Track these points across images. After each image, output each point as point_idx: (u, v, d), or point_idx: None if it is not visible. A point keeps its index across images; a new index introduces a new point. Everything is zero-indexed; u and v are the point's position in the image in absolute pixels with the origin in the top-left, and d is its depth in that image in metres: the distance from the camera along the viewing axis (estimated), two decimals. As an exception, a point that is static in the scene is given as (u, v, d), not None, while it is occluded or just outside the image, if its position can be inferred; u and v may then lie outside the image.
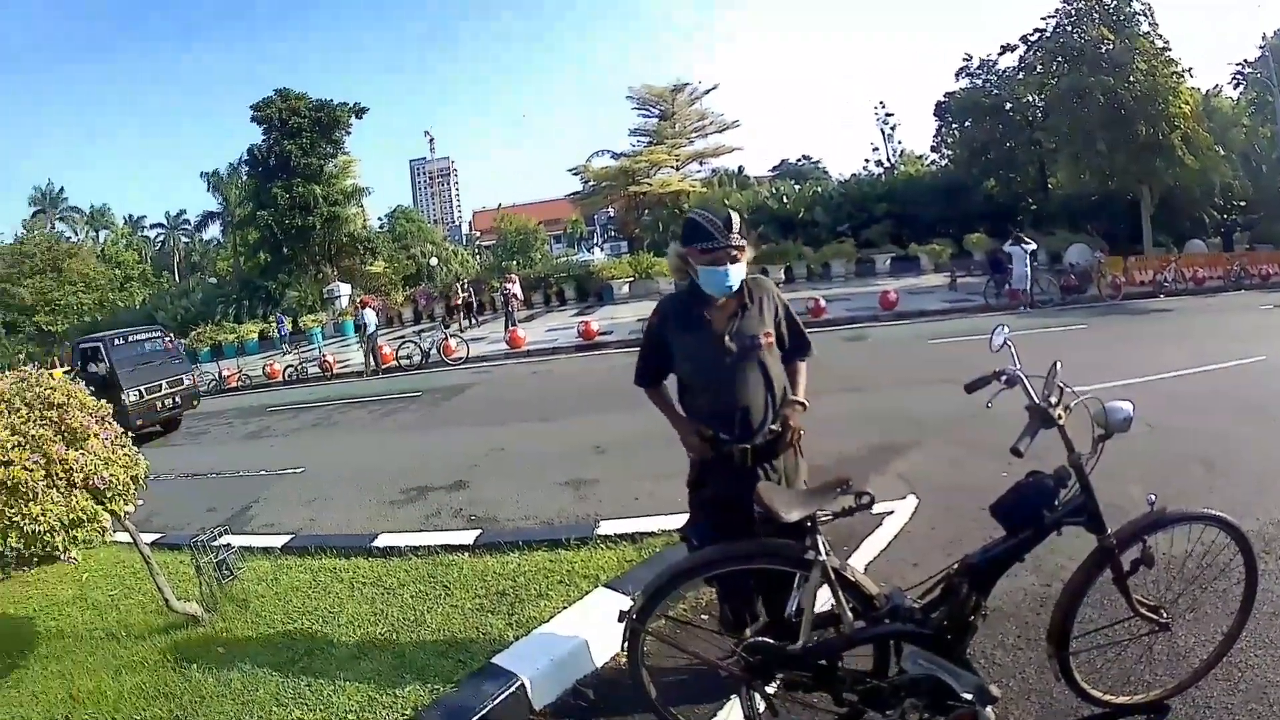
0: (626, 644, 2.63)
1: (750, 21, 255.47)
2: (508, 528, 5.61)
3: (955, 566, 2.46)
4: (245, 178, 44.54)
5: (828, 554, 2.38)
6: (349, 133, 41.25)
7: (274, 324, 31.74)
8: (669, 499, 4.68)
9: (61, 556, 3.79)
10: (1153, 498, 2.57)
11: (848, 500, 2.43)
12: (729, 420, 2.77)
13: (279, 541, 5.94)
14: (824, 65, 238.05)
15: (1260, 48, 31.10)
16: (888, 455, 6.21)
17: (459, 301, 26.39)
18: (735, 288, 2.76)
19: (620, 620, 2.58)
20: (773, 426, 2.81)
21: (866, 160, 41.57)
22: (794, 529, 2.36)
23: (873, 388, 8.93)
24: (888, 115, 42.95)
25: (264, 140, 39.12)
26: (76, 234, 57.80)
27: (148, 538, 5.36)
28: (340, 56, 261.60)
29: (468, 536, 5.26)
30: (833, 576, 2.38)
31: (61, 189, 59.62)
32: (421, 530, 5.67)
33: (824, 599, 2.44)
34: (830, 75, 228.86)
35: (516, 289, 21.50)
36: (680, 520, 3.27)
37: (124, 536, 4.48)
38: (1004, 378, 2.60)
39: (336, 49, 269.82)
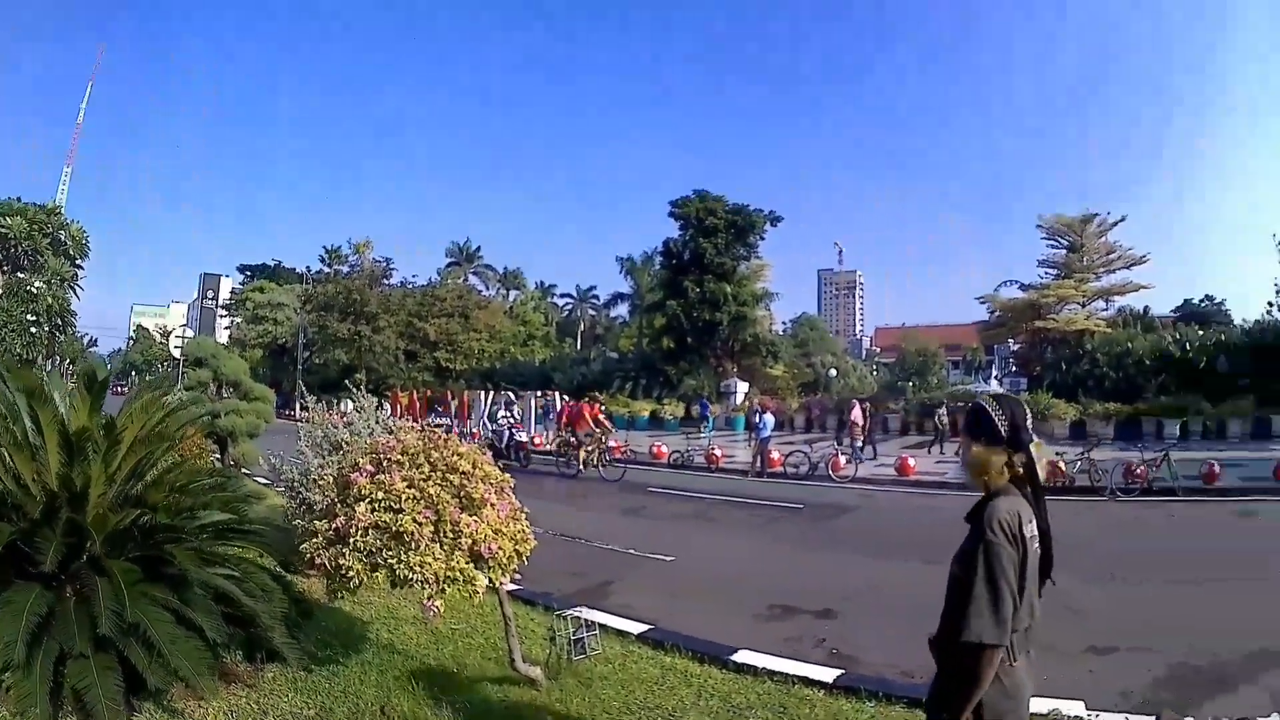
0: None
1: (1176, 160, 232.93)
2: (870, 673, 5.42)
3: None
4: (658, 267, 49.89)
5: None
6: (763, 238, 44.63)
7: (672, 406, 35.00)
8: (1060, 682, 4.72)
9: (424, 603, 3.92)
10: None
11: None
12: None
13: (636, 629, 6.14)
14: (1227, 195, 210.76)
15: None
16: (1268, 662, 5.60)
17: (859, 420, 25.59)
18: None
19: None
20: None
21: (1270, 303, 34.75)
22: None
23: (1258, 578, 8.25)
24: (1289, 249, 36.67)
25: (680, 235, 43.74)
26: (488, 289, 68.82)
27: (507, 587, 5.56)
28: (758, 165, 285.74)
29: (828, 674, 5.22)
30: None
31: (478, 248, 71.35)
32: (781, 655, 5.63)
33: None
34: (1231, 203, 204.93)
35: (857, 414, 20.62)
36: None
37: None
38: None
39: (757, 157, 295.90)
